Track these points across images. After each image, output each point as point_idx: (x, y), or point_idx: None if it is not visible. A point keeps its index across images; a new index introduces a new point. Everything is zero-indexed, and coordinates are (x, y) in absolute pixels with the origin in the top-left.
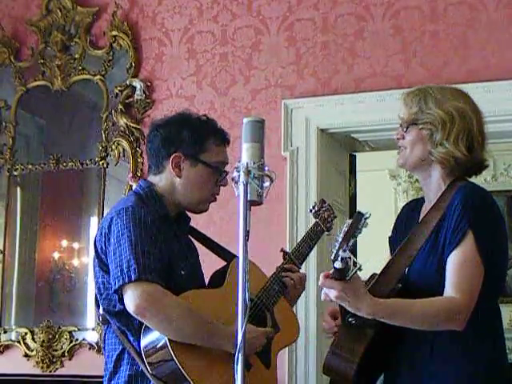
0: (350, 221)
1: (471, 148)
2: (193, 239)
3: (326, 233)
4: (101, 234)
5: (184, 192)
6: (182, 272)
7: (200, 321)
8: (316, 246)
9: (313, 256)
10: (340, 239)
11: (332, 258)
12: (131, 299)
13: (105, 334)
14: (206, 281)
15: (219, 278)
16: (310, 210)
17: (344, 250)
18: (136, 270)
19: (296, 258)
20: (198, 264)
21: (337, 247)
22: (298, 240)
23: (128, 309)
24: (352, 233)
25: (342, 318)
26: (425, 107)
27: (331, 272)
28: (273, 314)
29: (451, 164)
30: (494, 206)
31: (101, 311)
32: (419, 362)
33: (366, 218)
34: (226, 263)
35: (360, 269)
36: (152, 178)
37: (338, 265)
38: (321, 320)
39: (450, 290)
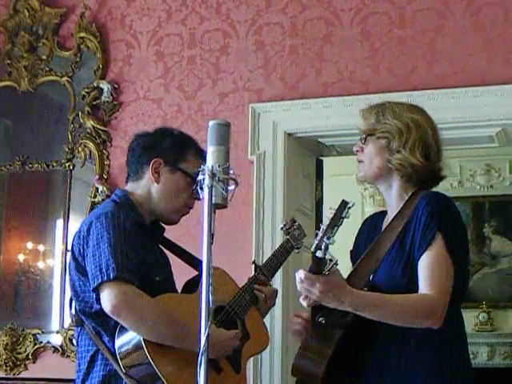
0: (334, 210)
1: (427, 157)
2: (166, 250)
3: (296, 250)
4: (79, 237)
5: (159, 199)
6: (157, 278)
7: (174, 322)
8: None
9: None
10: (324, 227)
11: (314, 247)
12: (108, 298)
13: (78, 335)
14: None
15: (192, 285)
16: (281, 228)
17: (328, 238)
18: (115, 268)
19: (267, 271)
20: (171, 274)
21: (320, 235)
22: (264, 245)
23: (104, 308)
24: (336, 221)
25: (311, 318)
26: (382, 118)
27: (307, 269)
28: (244, 323)
29: (408, 171)
30: (457, 211)
31: (73, 311)
32: (387, 369)
33: (349, 208)
34: (198, 273)
35: (336, 263)
36: (129, 186)
37: (319, 254)
38: (286, 325)
39: (424, 288)
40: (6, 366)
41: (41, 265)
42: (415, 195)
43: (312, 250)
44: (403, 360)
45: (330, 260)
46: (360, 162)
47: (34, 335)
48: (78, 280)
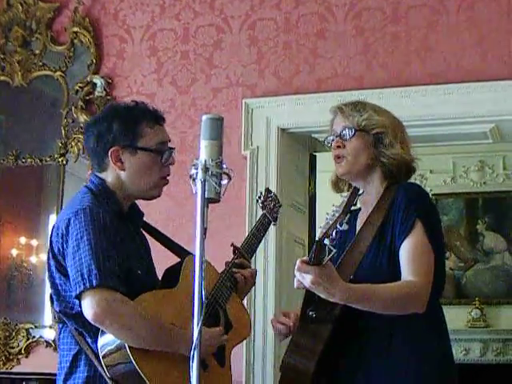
0: (345, 197)
1: (409, 152)
2: (146, 234)
3: (273, 223)
4: (57, 234)
5: (132, 183)
6: (139, 272)
7: (158, 328)
8: (274, 247)
9: (271, 257)
10: (336, 214)
11: (321, 234)
12: (90, 306)
13: (60, 332)
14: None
15: (172, 276)
16: (257, 201)
17: (341, 224)
18: (97, 275)
19: (246, 252)
20: (151, 260)
21: (331, 222)
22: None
23: (86, 316)
24: (348, 208)
25: (302, 312)
26: (368, 114)
27: (307, 257)
28: (225, 311)
29: (399, 164)
30: (432, 201)
31: (55, 307)
32: (377, 362)
33: (359, 195)
34: (178, 259)
35: (334, 255)
36: (100, 175)
37: (327, 241)
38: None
39: (407, 275)
40: None
41: (34, 260)
42: (390, 188)
43: (318, 237)
44: (391, 354)
45: (330, 250)
46: (340, 157)
47: (27, 330)
48: (58, 279)
